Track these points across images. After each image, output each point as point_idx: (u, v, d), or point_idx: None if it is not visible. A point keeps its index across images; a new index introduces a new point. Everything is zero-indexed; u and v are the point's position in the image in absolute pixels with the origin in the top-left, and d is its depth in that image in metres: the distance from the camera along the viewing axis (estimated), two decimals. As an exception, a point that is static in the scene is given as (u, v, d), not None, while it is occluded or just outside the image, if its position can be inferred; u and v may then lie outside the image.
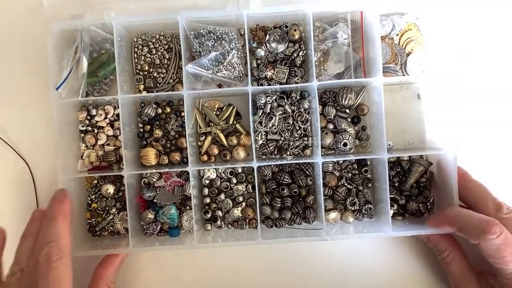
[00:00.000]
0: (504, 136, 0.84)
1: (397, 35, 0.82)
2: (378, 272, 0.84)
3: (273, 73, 0.81)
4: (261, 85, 0.81)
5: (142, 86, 0.82)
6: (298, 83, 0.81)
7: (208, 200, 0.84)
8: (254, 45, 0.82)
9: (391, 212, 0.80)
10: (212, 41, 0.80)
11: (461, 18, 0.82)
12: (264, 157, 0.83)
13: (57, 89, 0.75)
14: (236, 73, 0.81)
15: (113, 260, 0.77)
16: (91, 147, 0.84)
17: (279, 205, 0.81)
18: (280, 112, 0.82)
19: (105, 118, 0.84)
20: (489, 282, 0.72)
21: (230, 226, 0.85)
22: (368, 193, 0.84)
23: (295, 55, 0.81)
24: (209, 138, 0.83)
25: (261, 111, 0.82)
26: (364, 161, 0.83)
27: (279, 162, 0.80)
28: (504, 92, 0.84)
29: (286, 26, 0.81)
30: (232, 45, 0.80)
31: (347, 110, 0.83)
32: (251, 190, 0.84)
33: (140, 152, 0.82)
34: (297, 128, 0.82)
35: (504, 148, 0.83)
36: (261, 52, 0.81)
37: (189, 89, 0.77)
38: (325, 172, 0.82)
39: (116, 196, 0.84)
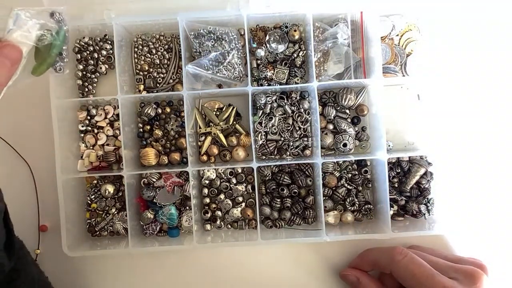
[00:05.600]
0: (503, 135, 0.83)
1: (397, 35, 0.82)
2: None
3: (273, 74, 0.81)
4: (261, 85, 0.81)
5: (142, 86, 0.82)
6: (298, 83, 0.81)
7: (207, 200, 0.84)
8: (254, 45, 0.82)
9: (391, 212, 0.80)
10: (212, 41, 0.80)
11: (461, 18, 0.81)
12: (264, 157, 0.83)
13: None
14: (236, 73, 0.81)
15: None
16: (91, 147, 0.84)
17: (278, 205, 0.81)
18: (280, 113, 0.82)
19: (105, 118, 0.84)
20: None
21: (229, 226, 0.85)
22: (368, 193, 0.84)
23: (295, 55, 0.81)
24: (209, 139, 0.83)
25: (261, 111, 0.82)
26: (364, 161, 0.83)
27: (279, 163, 0.80)
28: (503, 93, 0.83)
29: (286, 27, 0.81)
30: (232, 45, 0.80)
31: (347, 111, 0.83)
32: (251, 191, 0.84)
33: (140, 152, 0.82)
34: (297, 128, 0.82)
35: (503, 147, 0.83)
36: (261, 52, 0.81)
37: (189, 89, 0.77)
38: (324, 172, 0.82)
39: (116, 196, 0.84)
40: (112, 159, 0.82)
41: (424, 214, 0.81)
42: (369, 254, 0.77)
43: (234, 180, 0.83)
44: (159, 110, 0.84)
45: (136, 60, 0.84)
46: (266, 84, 0.81)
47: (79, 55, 0.83)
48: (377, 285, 0.75)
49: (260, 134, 0.82)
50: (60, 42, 0.66)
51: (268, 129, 0.82)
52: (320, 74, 0.80)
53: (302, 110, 0.82)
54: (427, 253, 0.74)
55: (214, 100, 0.85)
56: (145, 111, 0.82)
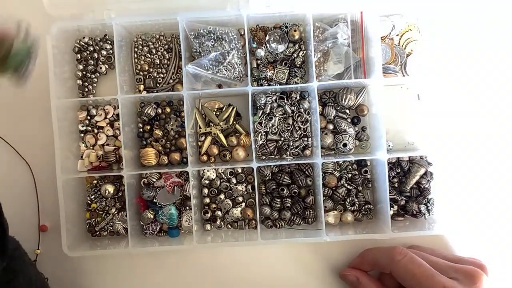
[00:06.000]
0: (503, 135, 0.83)
1: (397, 35, 0.82)
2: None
3: (273, 74, 0.81)
4: (261, 85, 0.81)
5: (142, 86, 0.82)
6: (298, 83, 0.81)
7: (207, 200, 0.84)
8: (254, 45, 0.82)
9: (391, 212, 0.80)
10: (212, 41, 0.80)
11: (461, 18, 0.81)
12: (264, 157, 0.83)
13: None
14: (236, 73, 0.81)
15: None
16: (91, 147, 0.84)
17: (278, 205, 0.81)
18: (280, 113, 0.82)
19: (105, 118, 0.84)
20: None
21: (229, 226, 0.85)
22: (368, 193, 0.84)
23: (295, 55, 0.81)
24: (209, 139, 0.83)
25: (261, 111, 0.82)
26: (364, 161, 0.83)
27: (279, 163, 0.80)
28: (503, 92, 0.83)
29: (286, 27, 0.81)
30: (232, 45, 0.80)
31: (347, 111, 0.83)
32: (251, 191, 0.84)
33: (140, 152, 0.82)
34: (297, 128, 0.82)
35: (503, 147, 0.83)
36: (261, 52, 0.81)
37: (189, 89, 0.77)
38: (324, 172, 0.82)
39: (116, 196, 0.84)
40: (112, 159, 0.82)
41: (424, 214, 0.81)
42: (369, 254, 0.77)
43: (234, 180, 0.83)
44: (159, 110, 0.84)
45: (136, 60, 0.84)
46: (266, 84, 0.81)
47: (79, 55, 0.83)
48: (377, 285, 0.75)
49: (260, 134, 0.82)
50: (21, 55, 0.65)
51: (268, 129, 0.82)
52: (320, 74, 0.80)
53: (302, 110, 0.82)
54: (427, 253, 0.74)
55: (214, 100, 0.85)
56: (145, 111, 0.82)
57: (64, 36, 0.79)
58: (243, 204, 0.84)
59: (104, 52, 0.83)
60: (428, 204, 0.81)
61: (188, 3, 0.78)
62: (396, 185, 0.82)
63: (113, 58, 0.82)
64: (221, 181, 0.84)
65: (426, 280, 0.67)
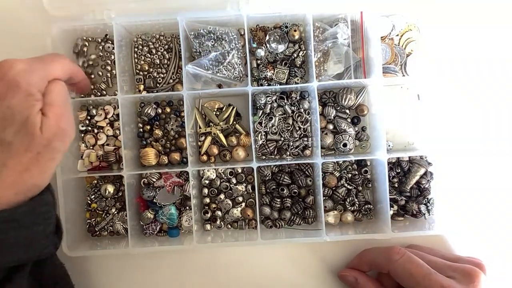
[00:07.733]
0: (503, 135, 0.83)
1: (397, 35, 0.82)
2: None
3: (273, 73, 0.81)
4: (261, 85, 0.81)
5: (142, 86, 0.82)
6: (298, 83, 0.81)
7: (207, 200, 0.84)
8: (254, 45, 0.82)
9: (391, 212, 0.80)
10: (212, 41, 0.80)
11: (461, 18, 0.81)
12: (264, 157, 0.83)
13: None
14: (236, 73, 0.81)
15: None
16: (91, 147, 0.84)
17: (278, 205, 0.81)
18: (280, 113, 0.82)
19: (105, 118, 0.84)
20: None
21: (229, 226, 0.85)
22: (368, 193, 0.84)
23: (295, 55, 0.81)
24: (209, 138, 0.83)
25: (261, 111, 0.82)
26: (364, 161, 0.83)
27: (278, 163, 0.80)
28: (503, 93, 0.83)
29: (286, 27, 0.81)
30: (232, 45, 0.80)
31: (347, 111, 0.83)
32: (251, 191, 0.84)
33: (140, 152, 0.82)
34: (297, 128, 0.82)
35: (503, 147, 0.83)
36: (261, 52, 0.81)
37: (189, 89, 0.77)
38: (324, 172, 0.82)
39: (116, 196, 0.84)
40: (112, 159, 0.82)
41: (424, 214, 0.81)
42: (367, 254, 0.78)
43: (234, 180, 0.83)
44: (159, 110, 0.84)
45: (136, 60, 0.84)
46: (266, 84, 0.81)
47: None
48: (375, 285, 0.75)
49: (260, 134, 0.82)
50: None
51: (268, 129, 0.82)
52: (320, 74, 0.80)
53: (302, 110, 0.82)
54: (425, 252, 0.74)
55: (214, 100, 0.85)
56: (145, 111, 0.82)
57: (64, 36, 0.79)
58: (243, 204, 0.84)
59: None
60: (428, 204, 0.81)
61: (188, 3, 0.78)
62: (396, 185, 0.82)
63: (113, 58, 0.82)
64: (221, 181, 0.84)
65: (423, 279, 0.67)
